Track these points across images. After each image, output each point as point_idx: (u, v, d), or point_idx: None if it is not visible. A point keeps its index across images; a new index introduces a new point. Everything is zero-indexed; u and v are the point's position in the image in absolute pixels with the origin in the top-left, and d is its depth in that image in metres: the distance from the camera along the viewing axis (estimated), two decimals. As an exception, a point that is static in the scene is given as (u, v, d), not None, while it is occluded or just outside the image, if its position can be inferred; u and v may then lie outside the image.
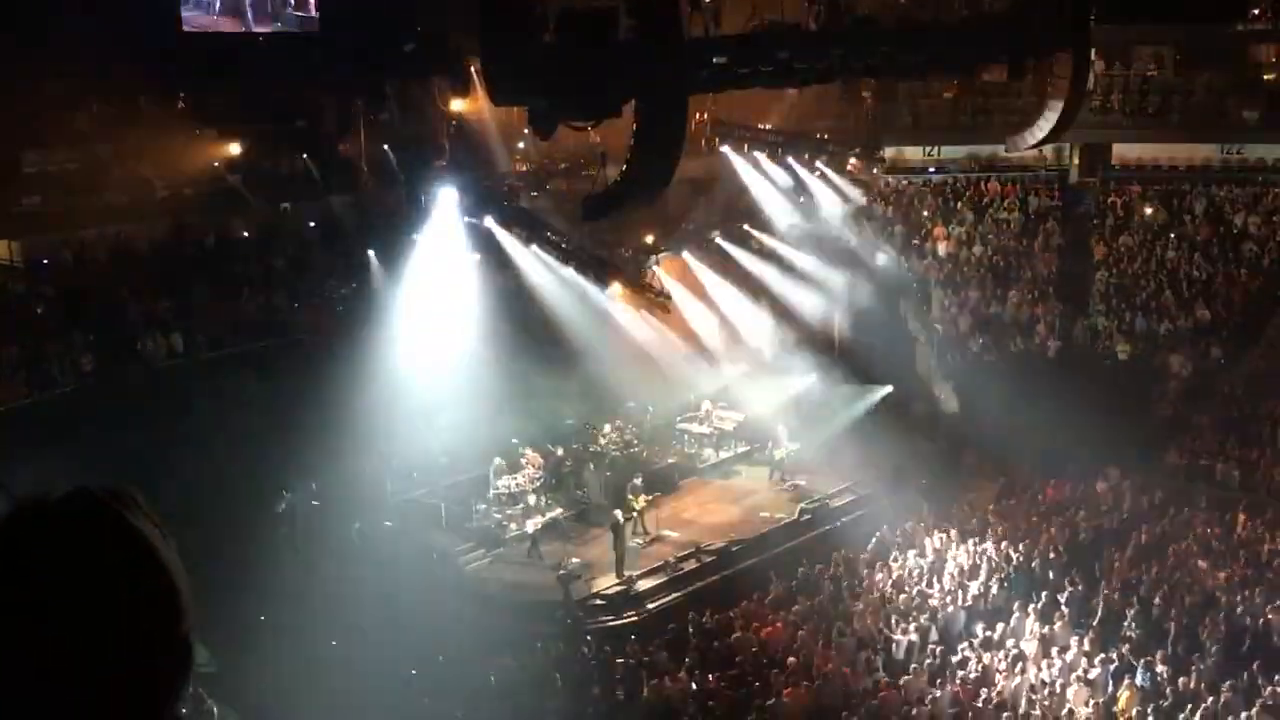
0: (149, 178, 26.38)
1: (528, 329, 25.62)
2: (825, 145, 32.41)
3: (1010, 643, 19.28)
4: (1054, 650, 18.82)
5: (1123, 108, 33.32)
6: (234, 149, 27.17)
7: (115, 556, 1.46)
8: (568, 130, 17.39)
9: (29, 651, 1.40)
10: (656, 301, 26.21)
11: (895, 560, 22.80)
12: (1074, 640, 19.02)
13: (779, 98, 30.00)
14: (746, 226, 30.36)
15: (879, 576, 22.21)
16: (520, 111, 22.95)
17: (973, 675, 18.24)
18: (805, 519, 25.24)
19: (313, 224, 28.93)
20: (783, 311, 30.17)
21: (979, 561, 22.41)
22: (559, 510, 24.42)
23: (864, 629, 20.02)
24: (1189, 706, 16.85)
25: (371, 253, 26.52)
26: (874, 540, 23.81)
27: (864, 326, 30.64)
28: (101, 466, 17.90)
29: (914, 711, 17.21)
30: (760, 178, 31.07)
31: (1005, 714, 16.99)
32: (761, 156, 31.06)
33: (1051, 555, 22.59)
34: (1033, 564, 22.25)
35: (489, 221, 25.80)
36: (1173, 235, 32.43)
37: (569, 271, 25.43)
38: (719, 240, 29.63)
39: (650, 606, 22.07)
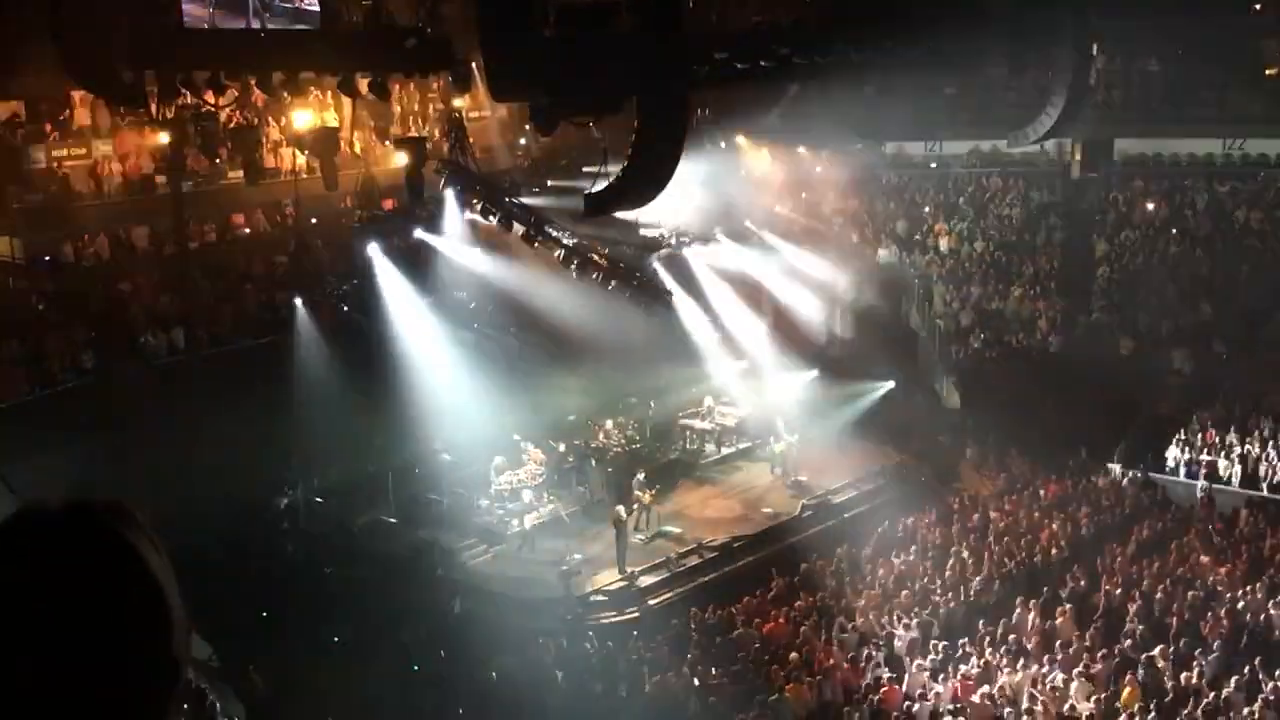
0: (151, 174, 26.38)
1: (529, 325, 25.61)
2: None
3: (1012, 638, 19.28)
4: (1056, 645, 18.81)
5: (1125, 102, 33.27)
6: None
7: (105, 572, 1.45)
8: (569, 126, 17.36)
9: (12, 664, 1.39)
10: (658, 297, 26.18)
11: (897, 556, 22.80)
12: (1075, 636, 19.02)
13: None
14: (747, 223, 30.31)
15: (881, 572, 22.22)
16: (521, 107, 22.92)
17: (974, 671, 18.24)
18: (807, 515, 25.24)
19: (314, 220, 28.90)
20: (784, 308, 30.14)
21: (981, 557, 22.41)
22: (551, 507, 24.41)
23: (866, 625, 20.03)
24: (1190, 702, 16.84)
25: (373, 247, 26.47)
26: (875, 536, 23.82)
27: (866, 322, 30.62)
28: (102, 463, 17.94)
29: (916, 707, 17.22)
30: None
31: (1007, 710, 17.00)
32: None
33: (1053, 551, 22.60)
34: (1034, 559, 22.25)
35: (493, 216, 25.73)
36: (1175, 231, 32.38)
37: (571, 267, 25.39)
38: (720, 236, 29.58)
39: (652, 602, 22.08)
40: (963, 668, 18.38)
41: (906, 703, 17.37)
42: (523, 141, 31.08)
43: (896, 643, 19.45)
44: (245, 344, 24.88)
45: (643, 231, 27.48)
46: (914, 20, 18.83)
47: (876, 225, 33.81)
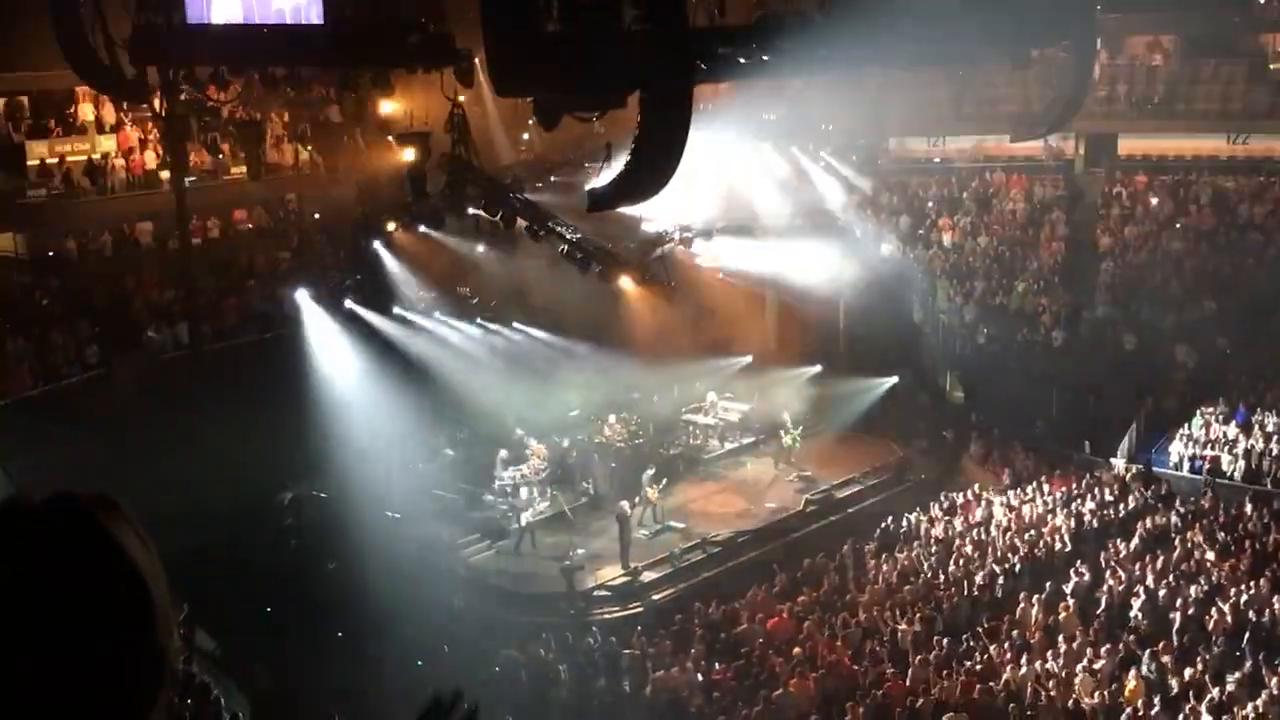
0: (154, 169, 26.40)
1: (531, 320, 25.60)
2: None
3: (1015, 633, 19.27)
4: (1060, 640, 18.80)
5: (1128, 98, 33.18)
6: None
7: (88, 565, 1.43)
8: (572, 121, 17.33)
9: None
10: (662, 292, 26.14)
11: (900, 551, 22.79)
12: (1079, 631, 19.01)
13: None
14: (749, 218, 30.25)
15: (884, 567, 22.21)
16: (524, 102, 22.87)
17: (978, 666, 18.24)
18: (811, 510, 25.24)
19: (316, 215, 28.90)
20: (787, 303, 30.10)
21: (984, 552, 22.40)
22: (554, 501, 24.41)
23: (869, 619, 20.03)
24: (1194, 697, 16.83)
25: (376, 243, 26.47)
26: (879, 531, 23.81)
27: (870, 317, 30.57)
28: (106, 457, 17.94)
29: (919, 702, 17.21)
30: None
31: (1011, 705, 16.99)
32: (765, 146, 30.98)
33: (1057, 545, 22.58)
34: (1038, 554, 22.23)
35: (495, 212, 25.70)
36: (1178, 225, 32.30)
37: (573, 263, 25.36)
38: (722, 231, 29.52)
39: (656, 598, 22.12)
40: (967, 662, 18.37)
41: (910, 698, 17.36)
42: (525, 136, 31.03)
43: (900, 637, 19.45)
44: (249, 339, 24.90)
45: (645, 226, 27.43)
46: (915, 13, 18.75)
47: (880, 220, 33.72)
